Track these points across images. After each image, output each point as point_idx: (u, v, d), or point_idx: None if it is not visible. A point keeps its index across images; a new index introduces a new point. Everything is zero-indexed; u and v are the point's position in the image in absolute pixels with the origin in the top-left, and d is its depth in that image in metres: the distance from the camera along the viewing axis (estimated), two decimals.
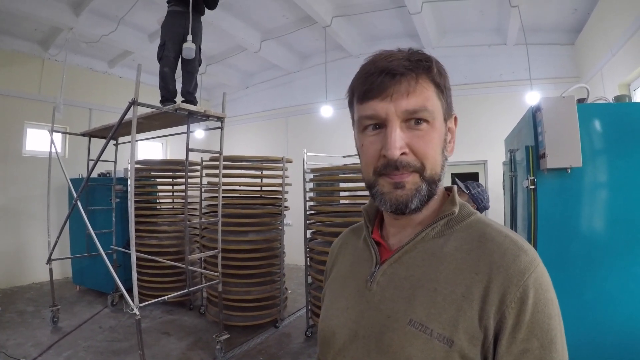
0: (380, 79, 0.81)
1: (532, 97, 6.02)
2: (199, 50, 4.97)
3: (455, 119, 0.91)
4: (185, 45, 4.46)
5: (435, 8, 6.90)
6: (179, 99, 4.93)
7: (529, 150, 2.69)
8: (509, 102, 7.05)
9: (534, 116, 2.72)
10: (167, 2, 4.98)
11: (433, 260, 0.83)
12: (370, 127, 0.85)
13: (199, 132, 9.49)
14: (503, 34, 7.42)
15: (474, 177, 8.44)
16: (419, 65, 0.81)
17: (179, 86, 4.99)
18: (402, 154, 0.80)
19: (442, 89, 0.84)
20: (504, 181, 4.37)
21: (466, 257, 0.80)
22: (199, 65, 5.15)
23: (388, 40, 8.25)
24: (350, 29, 7.97)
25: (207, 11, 5.27)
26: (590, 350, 2.37)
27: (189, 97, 4.96)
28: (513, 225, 3.36)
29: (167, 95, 4.91)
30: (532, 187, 2.63)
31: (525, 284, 0.73)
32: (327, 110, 7.88)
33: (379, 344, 0.82)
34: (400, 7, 6.72)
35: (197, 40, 4.88)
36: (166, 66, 4.90)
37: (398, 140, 0.80)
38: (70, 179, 5.77)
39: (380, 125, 0.83)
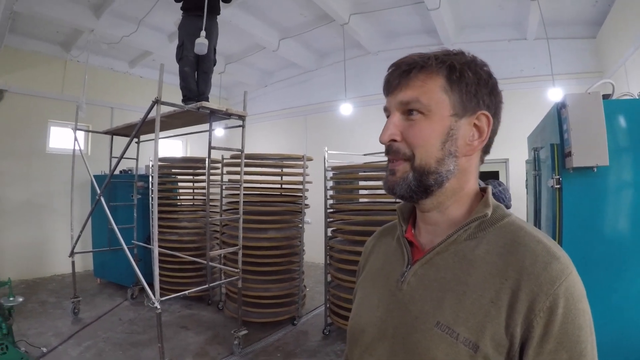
0: (387, 76, 0.90)
1: (555, 93, 5.90)
2: (213, 50, 4.98)
3: (487, 117, 0.87)
4: (197, 41, 4.48)
5: (453, 3, 6.82)
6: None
7: (554, 148, 2.62)
8: (530, 99, 6.88)
9: (559, 113, 2.64)
10: (181, 9, 5.07)
11: (464, 263, 0.83)
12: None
13: (218, 131, 9.54)
14: (523, 28, 7.27)
15: (494, 175, 8.36)
16: (419, 62, 0.86)
17: None
18: (393, 140, 0.87)
19: (454, 83, 0.84)
20: (526, 180, 4.26)
21: (497, 261, 0.79)
22: (214, 65, 5.21)
23: (406, 37, 8.20)
24: (368, 26, 7.93)
25: (224, 10, 5.28)
26: (616, 356, 2.29)
27: (202, 98, 4.99)
28: (536, 226, 3.27)
29: (189, 94, 4.97)
30: (558, 186, 2.55)
31: (555, 293, 0.71)
32: (346, 108, 7.87)
33: (405, 344, 0.83)
34: (418, 3, 6.64)
35: (212, 40, 4.90)
36: (186, 65, 4.96)
37: (390, 127, 0.87)
38: (93, 176, 5.86)
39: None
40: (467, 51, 0.89)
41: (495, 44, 7.56)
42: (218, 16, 5.21)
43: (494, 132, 0.90)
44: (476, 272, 0.80)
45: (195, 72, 5.09)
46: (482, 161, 0.94)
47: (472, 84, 0.85)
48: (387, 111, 0.91)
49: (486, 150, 0.92)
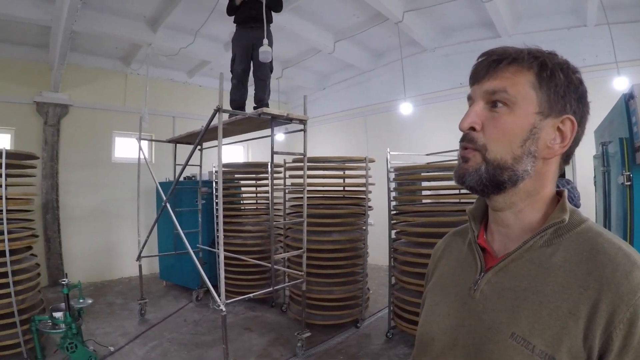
0: (475, 65, 0.91)
1: (620, 83, 5.68)
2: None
3: (572, 122, 0.86)
4: (261, 49, 4.69)
5: None
6: (249, 106, 5.25)
7: (623, 142, 2.58)
8: (594, 89, 6.46)
9: (627, 105, 2.60)
10: (234, 22, 5.39)
11: (540, 271, 0.82)
12: None
13: (279, 135, 9.75)
14: (582, 14, 7.00)
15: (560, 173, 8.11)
16: (512, 54, 0.86)
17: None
18: (472, 129, 0.87)
19: (543, 81, 0.84)
20: (594, 177, 4.14)
21: (575, 269, 0.78)
22: (271, 72, 5.44)
23: (462, 31, 8.15)
24: (422, 23, 7.91)
25: (278, 17, 5.47)
26: None
27: (261, 104, 5.25)
28: (606, 225, 3.19)
29: (232, 105, 5.28)
30: (628, 183, 2.51)
31: (636, 303, 0.70)
32: (406, 108, 7.84)
33: (478, 355, 0.83)
34: None
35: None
36: (235, 78, 5.32)
37: (471, 115, 0.87)
38: (158, 183, 6.22)
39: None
40: (561, 55, 0.89)
41: (554, 32, 7.28)
42: (271, 24, 5.43)
43: (576, 141, 0.88)
44: (553, 281, 0.79)
45: (244, 85, 5.38)
46: (560, 169, 0.92)
47: (562, 85, 0.85)
48: (471, 100, 0.91)
49: (566, 159, 0.91)
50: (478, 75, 0.89)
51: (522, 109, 0.84)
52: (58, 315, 4.08)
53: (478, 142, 0.86)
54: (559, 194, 0.92)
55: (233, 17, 5.39)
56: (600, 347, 0.70)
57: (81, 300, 4.40)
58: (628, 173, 2.50)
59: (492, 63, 0.86)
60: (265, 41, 4.66)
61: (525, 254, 0.85)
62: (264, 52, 4.65)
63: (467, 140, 0.87)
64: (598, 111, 3.99)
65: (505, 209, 0.90)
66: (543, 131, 0.85)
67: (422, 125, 8.81)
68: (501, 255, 0.90)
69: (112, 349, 4.83)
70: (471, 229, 1.01)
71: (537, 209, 0.89)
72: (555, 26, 7.35)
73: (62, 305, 4.13)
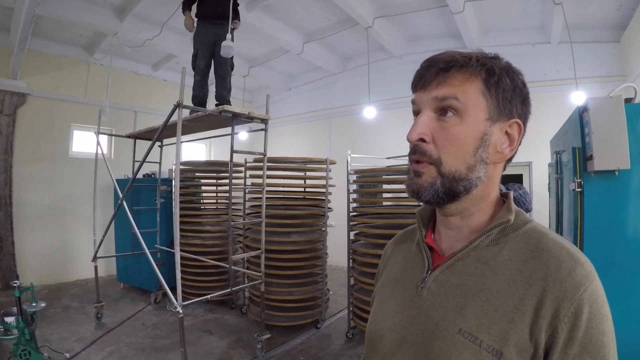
0: (421, 71, 0.89)
1: (578, 97, 6.02)
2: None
3: (519, 126, 0.88)
4: (224, 44, 4.67)
5: (477, 7, 6.93)
6: (211, 103, 5.24)
7: (575, 151, 2.70)
8: (554, 102, 6.95)
9: (580, 117, 2.74)
10: (196, 17, 5.35)
11: (486, 269, 0.84)
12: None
13: (242, 134, 9.71)
14: (547, 32, 7.41)
15: (517, 179, 8.40)
16: (460, 60, 0.85)
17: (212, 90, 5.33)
18: (422, 140, 0.85)
19: (492, 87, 0.85)
20: (549, 183, 4.34)
21: (520, 267, 0.81)
22: (232, 69, 5.46)
23: (430, 40, 8.40)
24: (392, 30, 8.11)
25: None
26: (638, 357, 2.37)
27: (222, 100, 5.25)
28: (558, 229, 3.35)
29: (194, 101, 5.29)
30: (579, 189, 2.64)
31: (580, 298, 0.74)
32: (370, 112, 8.09)
33: (426, 351, 0.84)
34: (442, 7, 6.81)
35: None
36: (197, 74, 5.31)
37: (419, 125, 0.85)
38: (116, 180, 6.10)
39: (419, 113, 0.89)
40: (502, 56, 0.90)
41: (520, 47, 7.71)
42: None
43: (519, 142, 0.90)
44: (499, 279, 0.81)
45: (206, 81, 5.38)
46: (504, 169, 0.94)
47: (509, 90, 0.85)
48: (415, 105, 0.90)
49: (510, 159, 0.92)
50: (425, 81, 0.87)
51: (472, 116, 0.84)
52: (10, 320, 3.88)
53: (432, 156, 0.85)
54: (504, 196, 0.95)
55: (196, 11, 5.34)
56: (546, 340, 0.74)
57: (34, 304, 4.15)
58: (579, 180, 2.60)
59: (440, 71, 0.85)
60: (229, 36, 4.65)
61: (471, 252, 0.88)
62: (227, 46, 4.63)
63: (420, 154, 0.86)
64: (555, 122, 4.23)
65: (456, 215, 0.92)
66: (493, 136, 0.86)
67: (385, 130, 9.03)
68: (448, 254, 0.93)
69: (67, 355, 4.65)
70: (419, 229, 1.02)
71: (485, 211, 0.91)
72: (520, 41, 7.73)
73: (14, 309, 3.92)
